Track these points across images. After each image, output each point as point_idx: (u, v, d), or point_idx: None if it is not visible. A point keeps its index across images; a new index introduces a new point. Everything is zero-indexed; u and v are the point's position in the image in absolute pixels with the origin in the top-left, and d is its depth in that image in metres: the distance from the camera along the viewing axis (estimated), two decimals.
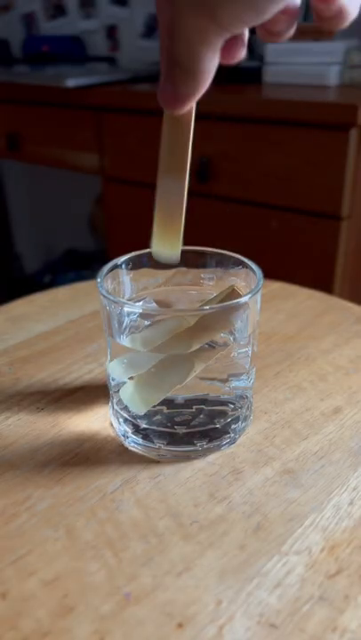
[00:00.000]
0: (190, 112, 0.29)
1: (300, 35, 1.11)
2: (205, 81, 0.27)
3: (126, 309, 0.33)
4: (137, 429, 0.34)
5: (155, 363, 0.32)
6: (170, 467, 0.34)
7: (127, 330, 0.34)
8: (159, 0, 0.26)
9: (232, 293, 0.33)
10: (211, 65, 0.26)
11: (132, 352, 0.34)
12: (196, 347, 0.32)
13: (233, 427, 0.35)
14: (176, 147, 0.30)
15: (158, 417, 0.34)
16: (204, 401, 0.34)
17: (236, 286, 0.33)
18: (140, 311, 0.34)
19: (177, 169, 0.30)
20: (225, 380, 0.34)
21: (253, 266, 0.35)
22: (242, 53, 0.29)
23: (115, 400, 0.36)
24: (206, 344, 0.32)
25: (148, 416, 0.34)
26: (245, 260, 0.36)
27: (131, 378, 0.34)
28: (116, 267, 0.36)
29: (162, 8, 0.26)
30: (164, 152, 0.30)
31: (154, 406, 0.34)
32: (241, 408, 0.35)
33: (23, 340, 0.48)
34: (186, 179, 0.30)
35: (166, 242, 0.32)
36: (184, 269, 0.38)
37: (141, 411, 0.33)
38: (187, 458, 0.34)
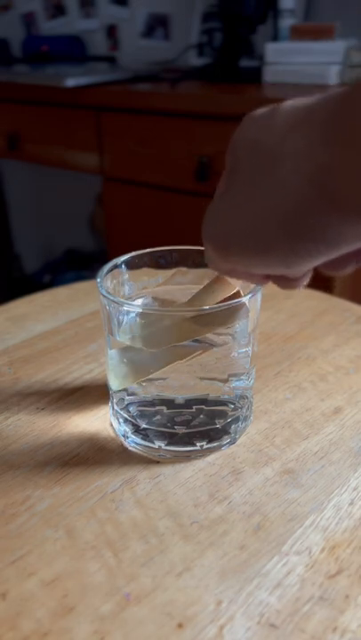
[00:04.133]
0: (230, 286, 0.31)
1: (300, 35, 1.11)
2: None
3: (126, 309, 0.33)
4: (137, 429, 0.34)
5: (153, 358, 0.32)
6: (170, 467, 0.34)
7: (127, 329, 0.34)
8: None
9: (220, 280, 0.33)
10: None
11: (132, 351, 0.34)
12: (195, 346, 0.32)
13: (233, 427, 0.35)
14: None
15: (158, 417, 0.34)
16: (204, 401, 0.34)
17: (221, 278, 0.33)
18: (140, 311, 0.34)
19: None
20: (225, 380, 0.34)
21: None
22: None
23: (115, 400, 0.36)
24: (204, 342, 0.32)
25: (148, 416, 0.34)
26: None
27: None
28: (115, 266, 0.36)
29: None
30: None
31: (154, 406, 0.34)
32: (241, 408, 0.35)
33: (23, 340, 0.48)
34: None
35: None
36: (184, 269, 0.38)
37: (116, 386, 0.34)
38: (187, 458, 0.34)
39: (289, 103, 0.23)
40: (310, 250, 0.21)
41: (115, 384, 0.35)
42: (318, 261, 0.22)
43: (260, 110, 0.25)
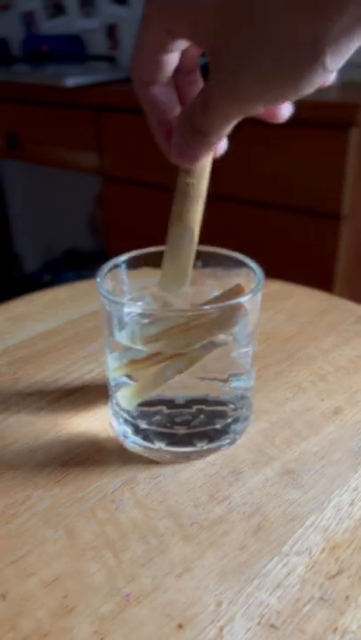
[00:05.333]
0: (204, 165, 0.31)
1: None
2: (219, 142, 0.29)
3: (126, 309, 0.33)
4: (137, 430, 0.34)
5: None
6: (170, 467, 0.34)
7: (127, 329, 0.34)
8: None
9: (238, 290, 0.32)
10: (227, 131, 0.28)
11: (132, 351, 0.34)
12: (195, 346, 0.32)
13: (233, 427, 0.35)
14: (190, 199, 0.31)
15: (158, 417, 0.34)
16: (204, 401, 0.34)
17: (242, 285, 0.33)
18: (140, 311, 0.34)
19: (189, 219, 0.32)
20: (225, 380, 0.34)
21: (254, 266, 0.34)
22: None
23: (115, 400, 0.35)
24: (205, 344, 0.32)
25: (148, 416, 0.34)
26: (246, 259, 0.36)
27: (128, 377, 0.34)
28: (115, 266, 0.36)
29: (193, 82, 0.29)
30: (178, 202, 0.32)
31: (154, 406, 0.33)
32: (241, 408, 0.35)
33: (23, 340, 0.48)
34: (197, 228, 0.32)
35: (174, 279, 0.33)
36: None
37: (131, 405, 0.34)
38: (187, 458, 0.34)
39: None
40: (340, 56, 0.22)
41: (124, 402, 0.35)
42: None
43: None
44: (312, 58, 0.22)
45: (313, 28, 0.21)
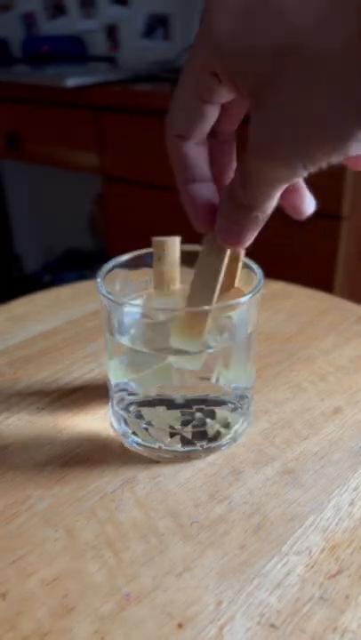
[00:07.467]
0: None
1: None
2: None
3: (126, 309, 0.33)
4: (137, 430, 0.34)
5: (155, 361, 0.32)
6: (170, 467, 0.34)
7: (127, 329, 0.34)
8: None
9: (235, 292, 0.33)
10: (273, 204, 0.26)
11: (132, 351, 0.34)
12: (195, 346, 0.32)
13: (233, 427, 0.35)
14: (211, 270, 0.30)
15: (158, 417, 0.34)
16: (204, 401, 0.34)
17: (239, 287, 0.33)
18: (141, 311, 0.34)
19: (208, 286, 0.30)
20: (225, 380, 0.34)
21: (254, 266, 0.35)
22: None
23: (115, 400, 0.36)
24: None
25: (148, 416, 0.34)
26: (246, 259, 0.36)
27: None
28: (116, 266, 0.36)
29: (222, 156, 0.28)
30: (199, 273, 0.30)
31: (154, 406, 0.34)
32: (241, 408, 0.35)
33: (23, 340, 0.48)
34: (215, 295, 0.30)
35: (189, 340, 0.32)
36: (185, 269, 0.38)
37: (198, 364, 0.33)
38: (187, 458, 0.34)
39: None
40: None
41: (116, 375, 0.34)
42: None
43: None
44: None
45: None
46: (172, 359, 0.32)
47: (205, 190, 0.28)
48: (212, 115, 0.26)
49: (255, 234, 0.27)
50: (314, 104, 0.21)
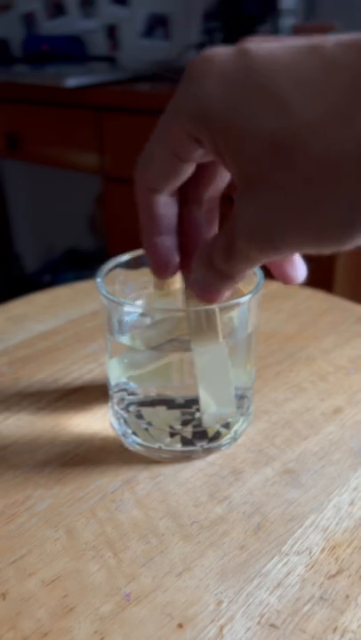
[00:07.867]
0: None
1: (301, 34, 1.11)
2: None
3: (126, 309, 0.33)
4: (137, 430, 0.34)
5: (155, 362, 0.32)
6: (170, 467, 0.34)
7: (127, 329, 0.34)
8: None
9: (235, 292, 0.33)
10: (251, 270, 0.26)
11: (133, 351, 0.34)
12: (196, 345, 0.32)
13: (233, 427, 0.35)
14: (206, 319, 0.30)
15: (158, 417, 0.34)
16: None
17: (239, 287, 0.33)
18: (141, 310, 0.34)
19: (210, 338, 0.30)
20: None
21: None
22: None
23: (115, 400, 0.36)
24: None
25: (148, 416, 0.34)
26: None
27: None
28: (116, 266, 0.36)
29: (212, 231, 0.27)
30: (194, 326, 0.30)
31: (154, 406, 0.34)
32: (241, 408, 0.35)
33: (23, 340, 0.48)
34: (224, 346, 0.30)
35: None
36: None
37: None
38: (187, 458, 0.34)
39: (268, 58, 0.20)
40: None
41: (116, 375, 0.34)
42: None
43: (223, 69, 0.21)
44: None
45: None
46: (202, 405, 0.32)
47: (168, 242, 0.28)
48: (187, 171, 0.25)
49: (227, 293, 0.27)
50: (318, 207, 0.19)
